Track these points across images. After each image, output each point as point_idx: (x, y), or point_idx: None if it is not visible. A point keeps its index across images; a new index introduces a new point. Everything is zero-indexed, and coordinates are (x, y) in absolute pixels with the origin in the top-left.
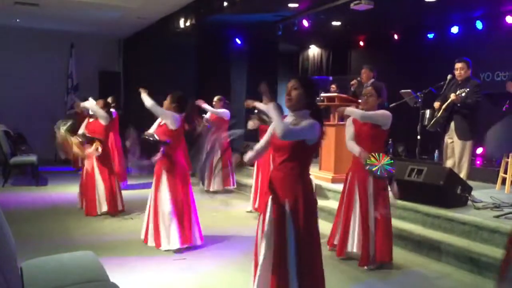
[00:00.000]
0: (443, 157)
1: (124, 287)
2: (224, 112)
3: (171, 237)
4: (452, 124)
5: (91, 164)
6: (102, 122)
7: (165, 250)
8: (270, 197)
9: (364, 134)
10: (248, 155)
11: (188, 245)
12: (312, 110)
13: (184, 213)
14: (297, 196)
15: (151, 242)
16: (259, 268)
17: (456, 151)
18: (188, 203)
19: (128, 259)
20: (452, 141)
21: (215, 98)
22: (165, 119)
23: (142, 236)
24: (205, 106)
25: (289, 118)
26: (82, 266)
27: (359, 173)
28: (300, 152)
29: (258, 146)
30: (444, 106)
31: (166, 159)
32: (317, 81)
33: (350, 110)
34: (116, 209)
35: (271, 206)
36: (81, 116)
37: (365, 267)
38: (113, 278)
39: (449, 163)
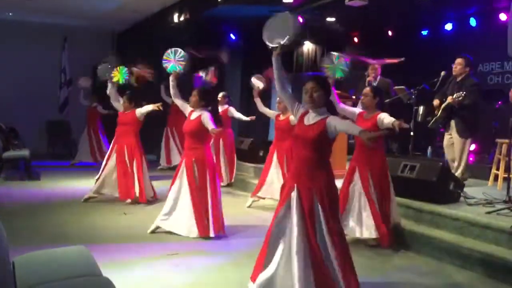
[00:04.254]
0: (446, 155)
1: (117, 282)
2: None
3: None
4: (452, 122)
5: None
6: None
7: (158, 244)
8: (295, 189)
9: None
10: None
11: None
12: (328, 106)
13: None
14: (323, 186)
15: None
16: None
17: (455, 148)
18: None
19: (121, 254)
20: (451, 137)
21: (220, 95)
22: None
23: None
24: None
25: (312, 114)
26: (75, 260)
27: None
28: (324, 145)
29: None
30: (442, 107)
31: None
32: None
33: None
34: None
35: (297, 198)
36: (91, 116)
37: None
38: (105, 273)
39: (451, 160)
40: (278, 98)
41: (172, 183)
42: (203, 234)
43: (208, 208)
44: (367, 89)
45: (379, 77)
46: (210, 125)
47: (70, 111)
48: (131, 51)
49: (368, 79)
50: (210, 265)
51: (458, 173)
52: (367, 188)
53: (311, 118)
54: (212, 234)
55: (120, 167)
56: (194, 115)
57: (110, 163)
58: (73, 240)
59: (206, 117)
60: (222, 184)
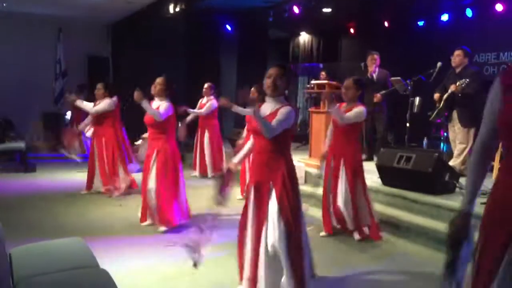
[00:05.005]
0: (452, 147)
1: (114, 273)
2: (211, 105)
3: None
4: (455, 113)
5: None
6: (109, 109)
7: (155, 236)
8: (254, 184)
9: (340, 126)
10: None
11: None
12: (284, 95)
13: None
14: (281, 177)
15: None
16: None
17: (459, 139)
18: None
19: (118, 245)
20: (454, 129)
21: (205, 85)
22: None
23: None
24: (190, 110)
25: (268, 103)
26: (71, 252)
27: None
28: (281, 136)
29: (245, 149)
30: (444, 97)
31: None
32: (307, 68)
33: (334, 111)
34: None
35: (254, 192)
36: (76, 109)
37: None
38: (102, 264)
39: (456, 153)
40: (252, 88)
41: (143, 178)
42: (163, 224)
43: (171, 197)
44: (349, 82)
45: (377, 68)
46: (161, 113)
47: (65, 103)
48: (126, 42)
49: (370, 70)
50: (206, 255)
51: (458, 162)
52: (338, 177)
53: (266, 109)
54: (176, 222)
55: (101, 160)
56: (154, 105)
57: (94, 158)
58: (69, 232)
59: (166, 107)
60: (208, 176)
